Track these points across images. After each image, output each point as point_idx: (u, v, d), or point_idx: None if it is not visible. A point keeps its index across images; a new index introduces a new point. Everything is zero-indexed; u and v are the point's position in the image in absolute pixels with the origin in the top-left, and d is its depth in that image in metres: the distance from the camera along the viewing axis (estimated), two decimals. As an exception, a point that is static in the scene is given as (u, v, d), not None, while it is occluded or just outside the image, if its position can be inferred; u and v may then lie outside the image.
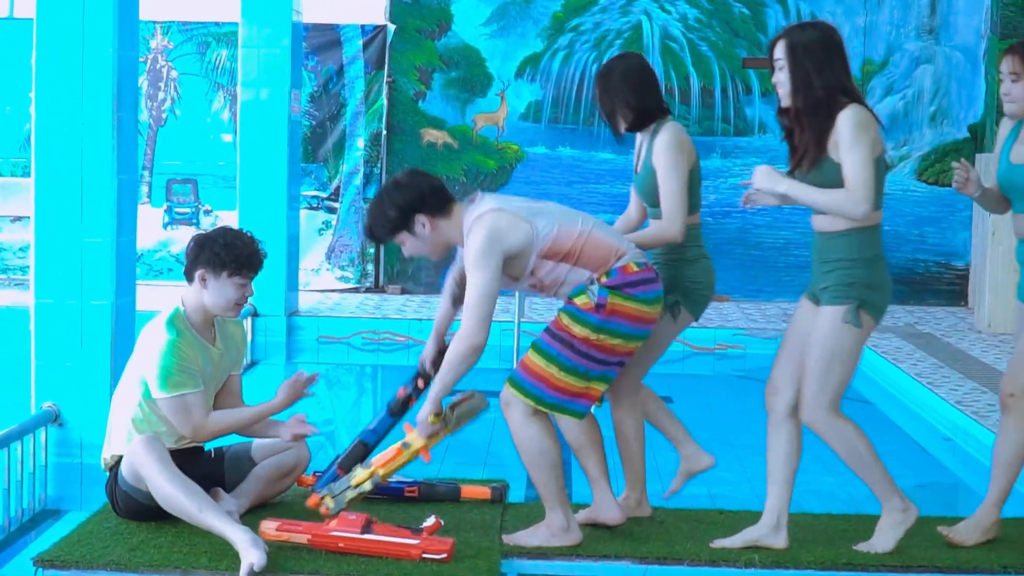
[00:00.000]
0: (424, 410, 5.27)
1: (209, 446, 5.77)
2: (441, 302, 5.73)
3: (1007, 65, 5.32)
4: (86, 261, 6.50)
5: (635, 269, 5.24)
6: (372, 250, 13.89)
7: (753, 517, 5.42)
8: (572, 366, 5.20)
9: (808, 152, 5.07)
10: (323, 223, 13.90)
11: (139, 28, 6.91)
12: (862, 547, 5.31)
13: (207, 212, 13.95)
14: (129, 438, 5.47)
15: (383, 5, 13.85)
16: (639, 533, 5.47)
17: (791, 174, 5.15)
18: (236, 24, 11.32)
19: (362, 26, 13.83)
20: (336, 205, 13.86)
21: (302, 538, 5.16)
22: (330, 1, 13.79)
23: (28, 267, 10.70)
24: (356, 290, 13.87)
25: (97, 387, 6.44)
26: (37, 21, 6.53)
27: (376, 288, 14.06)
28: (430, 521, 5.19)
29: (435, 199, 5.31)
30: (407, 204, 5.29)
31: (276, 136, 11.15)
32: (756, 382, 10.13)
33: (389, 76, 13.90)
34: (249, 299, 5.65)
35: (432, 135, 14.06)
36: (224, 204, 13.62)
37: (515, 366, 5.39)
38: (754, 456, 7.36)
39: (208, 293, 5.52)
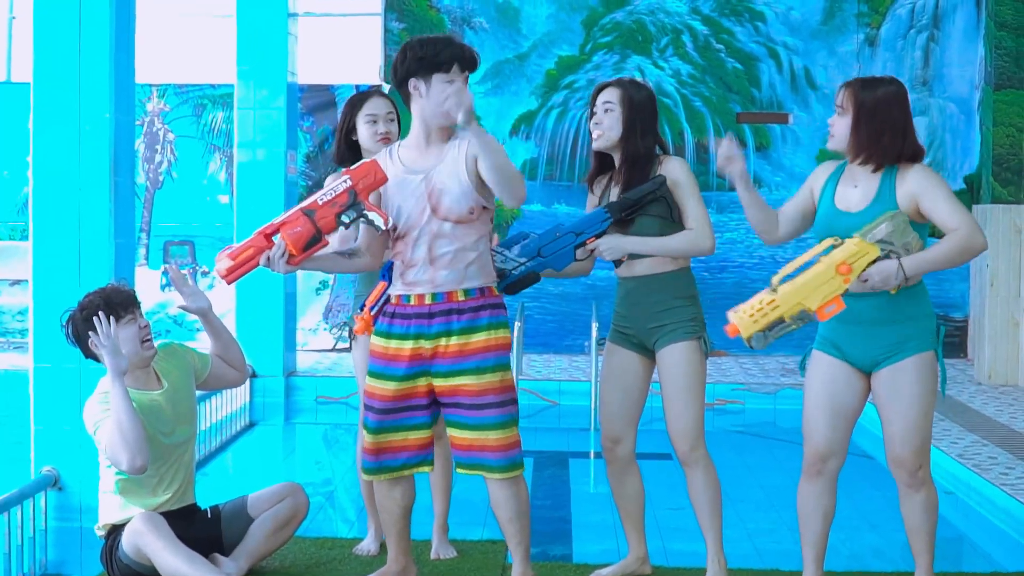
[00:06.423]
0: None
1: (204, 505, 5.77)
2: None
3: (838, 98, 5.14)
4: (84, 325, 6.48)
5: None
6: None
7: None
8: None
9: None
10: (320, 282, 13.90)
11: (135, 91, 6.94)
12: None
13: (204, 274, 13.95)
14: (122, 506, 5.52)
15: (377, 65, 13.91)
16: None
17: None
18: (232, 86, 11.36)
19: (356, 86, 13.86)
20: (333, 265, 13.85)
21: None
22: (325, 62, 13.85)
23: (27, 330, 10.65)
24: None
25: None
26: (34, 85, 6.56)
27: (374, 347, 14.02)
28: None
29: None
30: (410, 67, 4.98)
31: (272, 197, 11.14)
32: (756, 438, 10.13)
33: (385, 135, 13.90)
34: (150, 333, 5.71)
35: (428, 193, 14.01)
36: (221, 265, 13.62)
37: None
38: (755, 512, 7.36)
39: None
